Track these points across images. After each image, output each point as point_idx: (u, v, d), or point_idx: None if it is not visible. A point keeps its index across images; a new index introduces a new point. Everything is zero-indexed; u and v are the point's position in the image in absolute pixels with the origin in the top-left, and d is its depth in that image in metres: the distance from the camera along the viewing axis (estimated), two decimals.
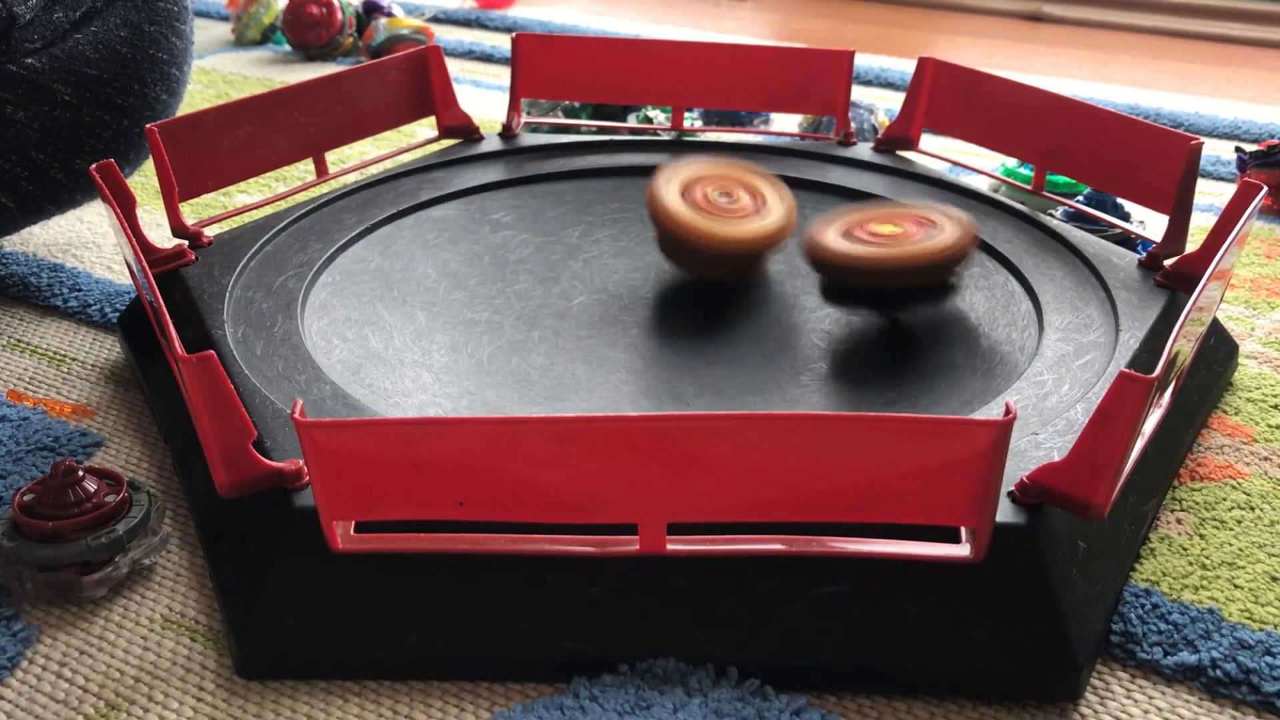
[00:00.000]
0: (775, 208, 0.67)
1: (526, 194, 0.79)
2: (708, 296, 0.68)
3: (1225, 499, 0.59)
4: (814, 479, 0.45)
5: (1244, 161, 0.96)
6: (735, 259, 0.66)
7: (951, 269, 0.61)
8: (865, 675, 0.47)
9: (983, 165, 0.85)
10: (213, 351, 0.47)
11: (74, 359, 0.71)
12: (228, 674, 0.48)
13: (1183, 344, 0.49)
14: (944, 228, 0.62)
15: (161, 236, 0.70)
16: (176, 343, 0.48)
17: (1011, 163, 0.87)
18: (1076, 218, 0.80)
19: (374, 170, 0.81)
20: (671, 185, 0.67)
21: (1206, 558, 0.54)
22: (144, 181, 0.95)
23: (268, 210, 0.76)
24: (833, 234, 0.63)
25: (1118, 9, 1.69)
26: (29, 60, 0.73)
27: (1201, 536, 0.56)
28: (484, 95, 1.25)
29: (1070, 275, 0.67)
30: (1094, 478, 0.46)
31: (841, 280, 0.63)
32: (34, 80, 0.73)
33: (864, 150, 0.83)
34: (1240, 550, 0.55)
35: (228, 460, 0.48)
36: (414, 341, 0.63)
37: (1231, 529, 0.56)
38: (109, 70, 0.75)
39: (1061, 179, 0.82)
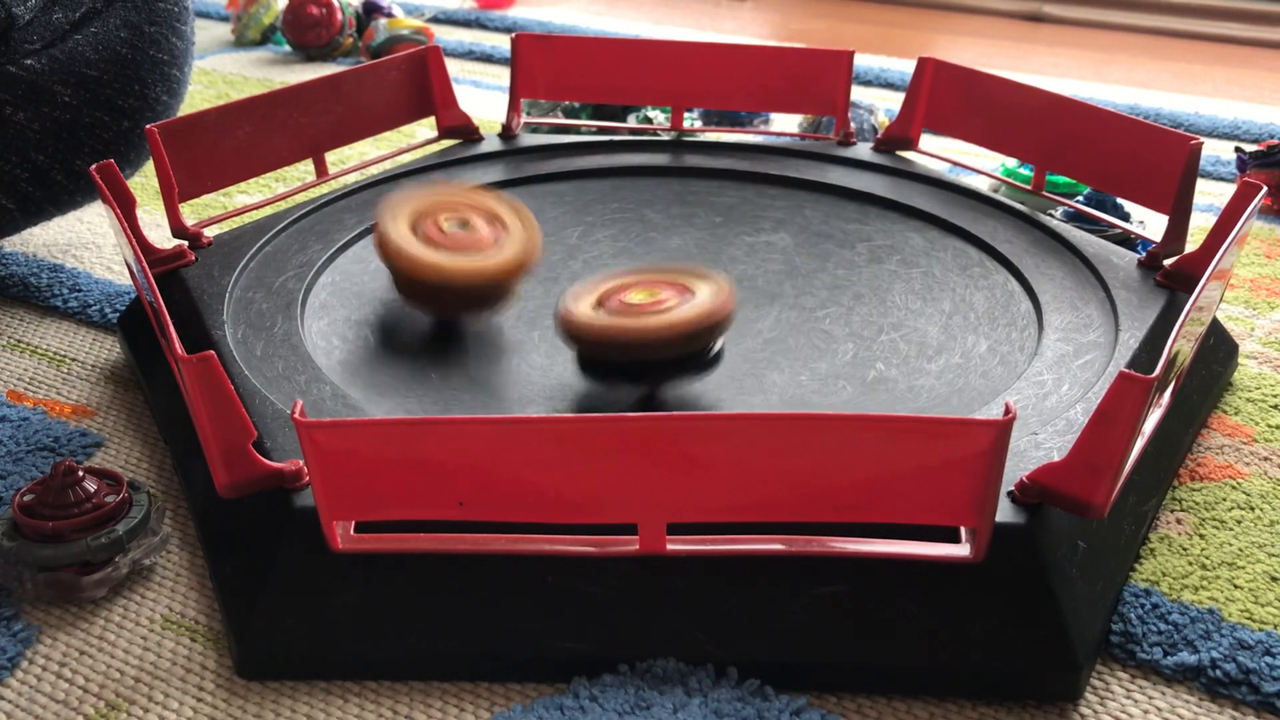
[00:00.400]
0: (515, 232, 0.63)
1: (526, 194, 0.79)
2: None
3: (1225, 499, 0.59)
4: (814, 479, 0.45)
5: (1244, 161, 0.96)
6: (478, 294, 0.62)
7: (705, 339, 0.57)
8: (865, 675, 0.47)
9: (983, 165, 0.85)
10: (213, 351, 0.47)
11: (74, 359, 0.71)
12: (228, 674, 0.48)
13: (1182, 344, 0.49)
14: (699, 294, 0.58)
15: (161, 237, 0.70)
16: (176, 343, 0.48)
17: (1011, 163, 0.87)
18: (1076, 218, 0.80)
19: (374, 170, 0.81)
20: (400, 218, 0.62)
21: (1206, 558, 0.54)
22: (144, 182, 0.95)
23: (268, 211, 0.76)
24: (584, 304, 0.58)
25: (1118, 9, 1.69)
26: (29, 61, 0.73)
27: (1201, 536, 0.56)
28: (484, 95, 1.25)
29: (1070, 275, 0.67)
30: (1094, 478, 0.46)
31: (594, 354, 0.58)
32: (34, 81, 0.73)
33: (864, 150, 0.83)
34: (1240, 550, 0.55)
35: (228, 460, 0.48)
36: (414, 341, 0.63)
37: (1231, 529, 0.56)
38: (109, 71, 0.75)
39: (1061, 179, 0.82)
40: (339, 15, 1.34)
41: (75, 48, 0.74)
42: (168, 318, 0.50)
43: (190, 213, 0.75)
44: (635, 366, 0.58)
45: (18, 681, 0.48)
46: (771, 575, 0.47)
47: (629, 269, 0.62)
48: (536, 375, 0.60)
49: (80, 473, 0.52)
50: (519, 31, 0.87)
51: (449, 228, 0.62)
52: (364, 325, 0.64)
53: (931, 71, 0.80)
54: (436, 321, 0.65)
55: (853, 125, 0.88)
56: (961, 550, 0.46)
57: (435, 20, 1.56)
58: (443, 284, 0.60)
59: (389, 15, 1.37)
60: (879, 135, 0.83)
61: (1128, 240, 0.78)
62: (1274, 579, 0.53)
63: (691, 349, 0.57)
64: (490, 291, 0.62)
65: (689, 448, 0.44)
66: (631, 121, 1.00)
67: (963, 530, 0.47)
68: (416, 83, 0.82)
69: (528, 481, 0.45)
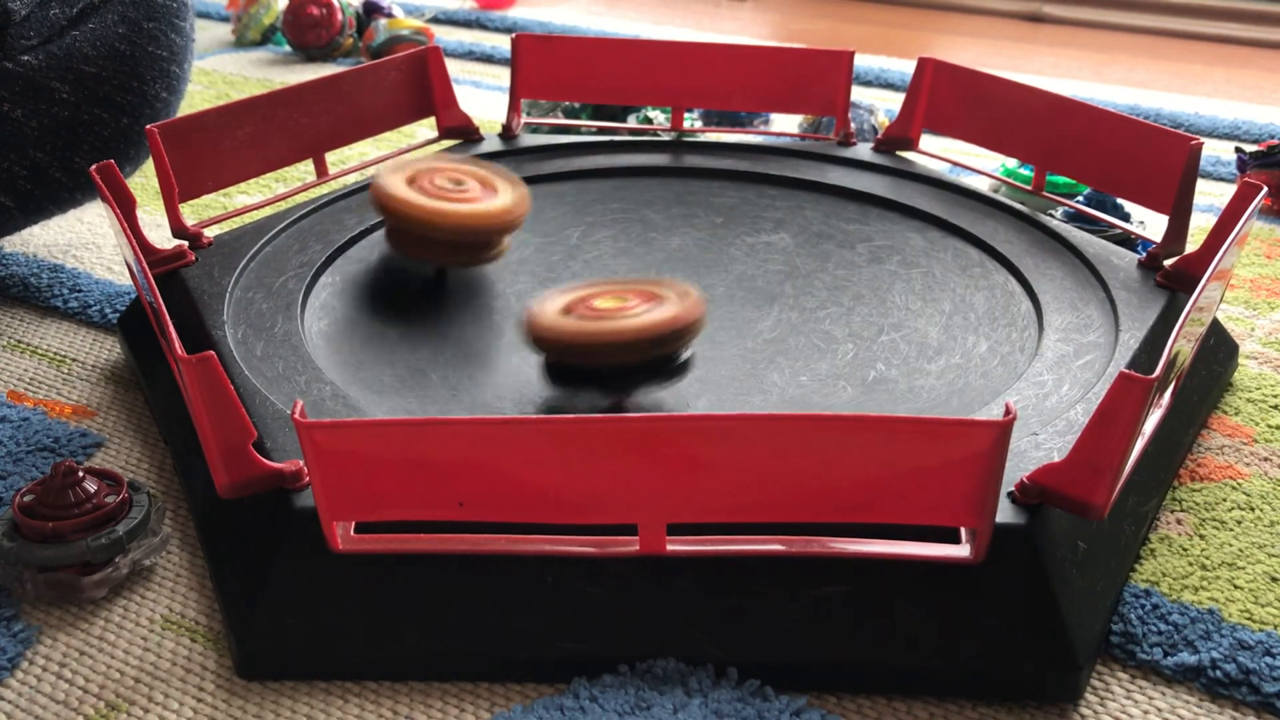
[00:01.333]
0: (505, 192, 0.67)
1: None
2: (709, 298, 0.68)
3: (1225, 499, 0.59)
4: (814, 479, 0.45)
5: (1244, 162, 0.96)
6: (465, 241, 0.66)
7: (673, 344, 0.58)
8: (865, 675, 0.47)
9: (983, 165, 0.85)
10: (213, 352, 0.47)
11: (74, 360, 0.71)
12: (228, 674, 0.48)
13: (1183, 344, 0.49)
14: (668, 301, 0.58)
15: (161, 237, 0.70)
16: (176, 343, 0.48)
17: (1011, 163, 0.87)
18: (1076, 218, 0.80)
19: (374, 170, 0.81)
20: (398, 174, 0.67)
21: (1206, 558, 0.54)
22: (144, 182, 0.95)
23: (268, 211, 0.76)
24: (551, 309, 0.59)
25: (1118, 9, 1.69)
26: (25, 58, 0.72)
27: (1201, 537, 0.56)
28: (484, 96, 1.25)
29: (1070, 275, 0.67)
30: (1094, 478, 0.46)
31: (560, 358, 0.59)
32: (31, 78, 0.72)
33: (864, 150, 0.83)
34: (1240, 551, 0.55)
35: (228, 461, 0.48)
36: (414, 342, 0.63)
37: (1231, 529, 0.56)
38: (107, 68, 0.75)
39: (1061, 179, 0.82)
40: (339, 15, 1.34)
41: (73, 44, 0.74)
42: (168, 318, 0.50)
43: (190, 213, 0.75)
44: (603, 373, 0.59)
45: (18, 682, 0.48)
46: (771, 575, 0.47)
47: (595, 280, 0.63)
48: (536, 375, 0.60)
49: (80, 473, 0.52)
50: (519, 32, 0.87)
51: (441, 183, 0.66)
52: (364, 325, 0.64)
53: (931, 72, 0.80)
54: (437, 322, 0.65)
55: (853, 125, 0.88)
56: (962, 551, 0.46)
57: (435, 20, 1.56)
58: (430, 228, 0.64)
59: (389, 15, 1.37)
60: (879, 135, 0.83)
61: (1128, 240, 0.78)
62: (1274, 579, 0.53)
63: (659, 353, 0.58)
64: (474, 238, 0.66)
65: (689, 448, 0.44)
66: (631, 121, 1.00)
67: (963, 531, 0.47)
68: (417, 83, 0.82)
69: (528, 481, 0.45)
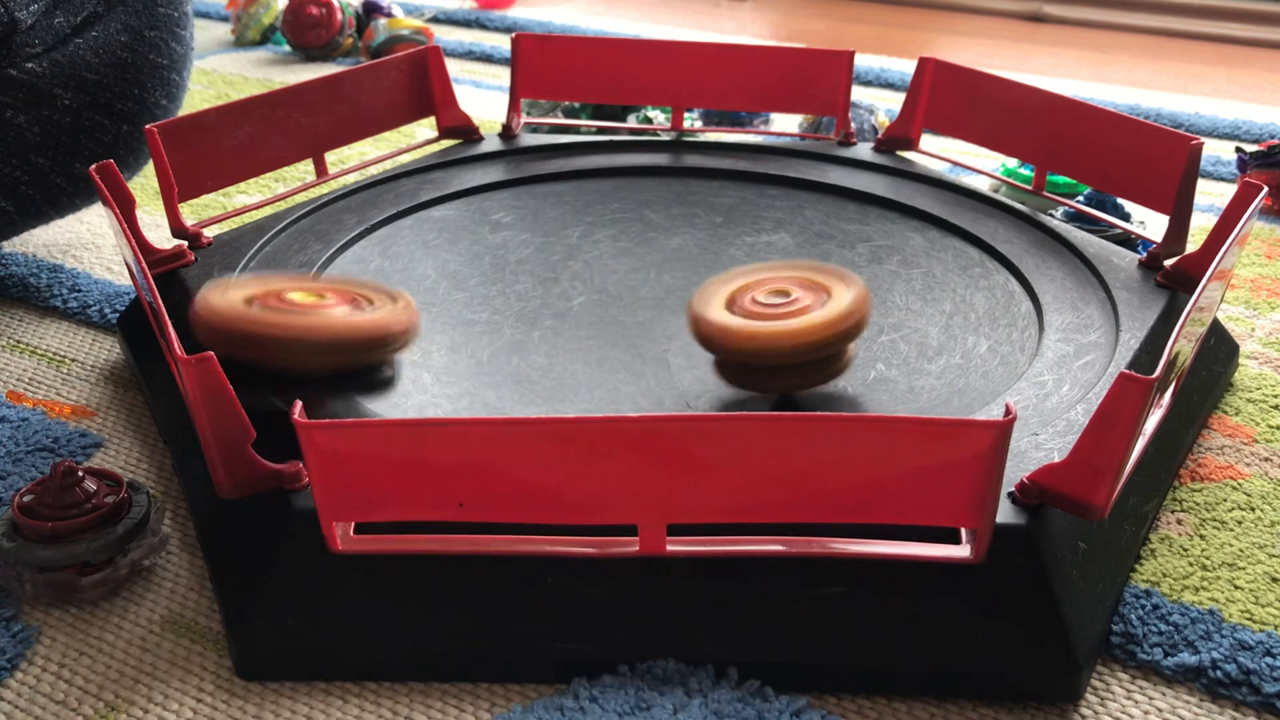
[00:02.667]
0: (840, 290, 0.57)
1: (526, 194, 0.79)
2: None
3: (1225, 499, 0.59)
4: (814, 479, 0.45)
5: (1244, 161, 0.96)
6: (811, 359, 0.56)
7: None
8: (865, 676, 0.47)
9: (983, 165, 0.85)
10: (212, 352, 0.47)
11: (74, 360, 0.71)
12: (227, 674, 0.48)
13: (1183, 344, 0.49)
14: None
15: (161, 237, 0.70)
16: (176, 343, 0.48)
17: (1011, 163, 0.87)
18: (1076, 218, 0.80)
19: (374, 170, 0.81)
20: (715, 301, 0.58)
21: (1207, 558, 0.54)
22: (144, 182, 0.94)
23: (267, 211, 0.76)
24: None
25: (1118, 9, 1.69)
26: (29, 65, 0.73)
27: (1202, 537, 0.56)
28: (484, 95, 1.25)
29: (1070, 275, 0.67)
30: (1094, 479, 0.46)
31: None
32: (34, 85, 0.73)
33: (864, 150, 0.83)
34: (1240, 551, 0.55)
35: (228, 461, 0.48)
36: (413, 342, 0.63)
37: (1232, 530, 0.56)
38: (109, 75, 0.75)
39: (1061, 179, 0.82)
40: (339, 15, 1.34)
41: (76, 51, 0.75)
42: (167, 318, 0.50)
43: (190, 213, 0.75)
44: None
45: (17, 682, 0.48)
46: (771, 576, 0.47)
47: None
48: (536, 375, 0.60)
49: (80, 473, 0.52)
50: (519, 31, 0.87)
51: (765, 299, 0.57)
52: None
53: (932, 71, 0.80)
54: (437, 322, 0.65)
55: (853, 125, 0.88)
56: (962, 551, 0.46)
57: (435, 20, 1.56)
58: (768, 355, 0.56)
59: (389, 15, 1.37)
60: (879, 135, 0.83)
61: (1128, 240, 0.78)
62: (1274, 579, 0.53)
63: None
64: (821, 352, 0.56)
65: (689, 448, 0.44)
66: (631, 121, 1.00)
67: (963, 531, 0.47)
68: (416, 83, 0.82)
69: (528, 482, 0.45)
